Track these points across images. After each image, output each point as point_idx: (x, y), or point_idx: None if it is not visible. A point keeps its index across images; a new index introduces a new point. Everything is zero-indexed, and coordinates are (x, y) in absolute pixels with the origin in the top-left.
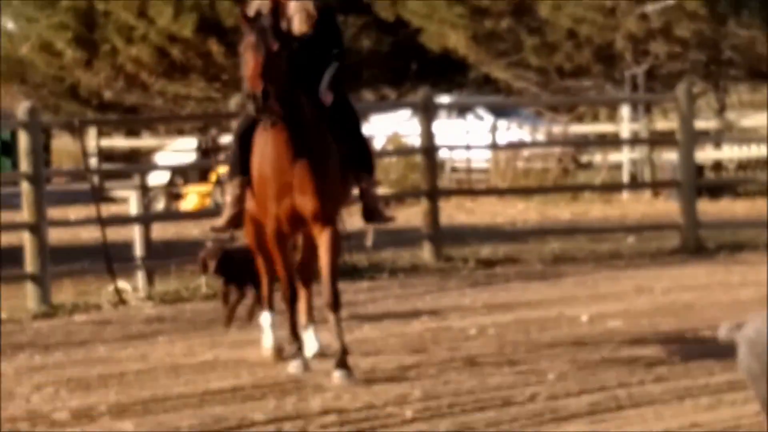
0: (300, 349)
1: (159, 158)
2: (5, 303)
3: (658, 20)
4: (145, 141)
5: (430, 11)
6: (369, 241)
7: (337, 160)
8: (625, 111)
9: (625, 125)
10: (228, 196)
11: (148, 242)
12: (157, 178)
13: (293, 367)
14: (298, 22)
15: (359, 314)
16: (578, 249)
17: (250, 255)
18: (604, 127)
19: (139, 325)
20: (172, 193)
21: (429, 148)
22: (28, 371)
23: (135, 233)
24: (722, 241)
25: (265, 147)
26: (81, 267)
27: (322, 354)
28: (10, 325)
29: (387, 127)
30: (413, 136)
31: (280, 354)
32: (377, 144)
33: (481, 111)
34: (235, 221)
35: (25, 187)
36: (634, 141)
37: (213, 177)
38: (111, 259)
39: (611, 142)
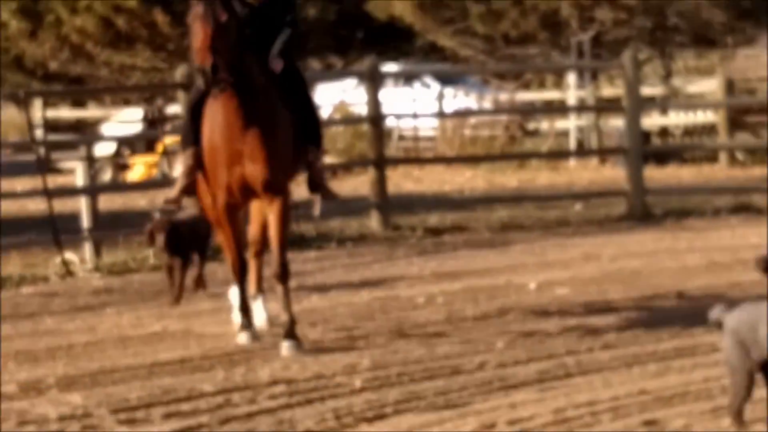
0: (249, 320)
1: (105, 129)
2: None
3: None
4: (91, 112)
5: None
6: (316, 210)
7: (289, 128)
8: (571, 78)
9: (572, 92)
10: (180, 167)
11: (95, 213)
12: (103, 149)
13: (242, 337)
14: None
15: (307, 284)
16: (526, 217)
17: (197, 225)
18: (550, 95)
19: (87, 296)
20: (119, 163)
21: (376, 117)
22: None
23: (82, 204)
24: (669, 208)
25: (215, 116)
26: (28, 239)
27: (270, 324)
28: None
29: (333, 96)
30: (360, 105)
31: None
32: (324, 113)
33: (427, 79)
34: (188, 191)
35: None
36: (581, 108)
37: (159, 147)
38: (58, 231)
39: (558, 109)
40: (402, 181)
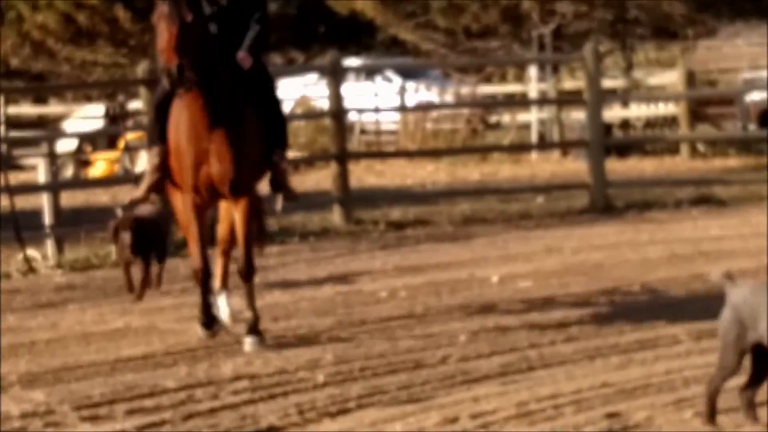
0: (212, 317)
1: (67, 125)
2: None
3: None
4: (52, 108)
5: None
6: (278, 205)
7: (255, 128)
8: (532, 71)
9: (533, 85)
10: (147, 165)
11: (57, 210)
12: (65, 146)
13: (204, 334)
14: None
15: (270, 279)
16: (488, 210)
17: (158, 221)
18: (512, 88)
19: (49, 293)
20: (81, 160)
21: (338, 111)
22: None
23: (44, 201)
24: (631, 200)
25: (182, 115)
26: None
27: (233, 320)
28: None
29: (295, 91)
30: (322, 100)
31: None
32: (286, 108)
33: (389, 73)
34: (154, 189)
35: None
36: (542, 101)
37: (121, 143)
38: (20, 228)
39: (519, 102)
40: (364, 175)
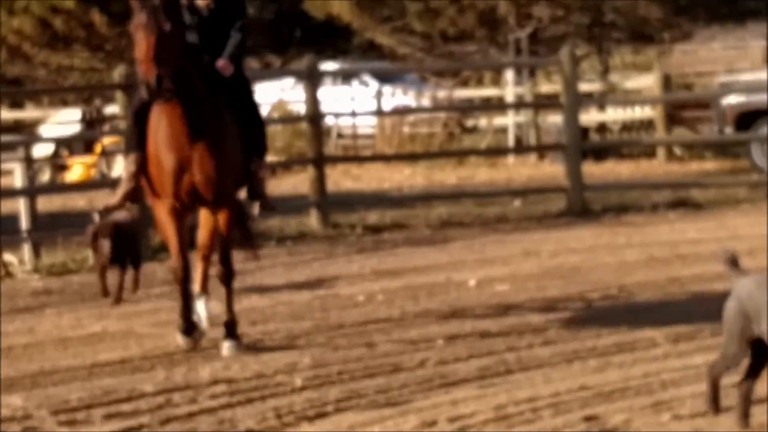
0: (191, 323)
1: (43, 130)
2: None
3: None
4: (29, 113)
5: None
6: (255, 209)
7: (236, 137)
8: (509, 75)
9: (510, 89)
10: (123, 172)
11: (33, 214)
12: (41, 150)
13: (183, 341)
14: None
15: (247, 283)
16: (465, 213)
17: (134, 227)
18: (488, 92)
19: (26, 298)
20: (57, 164)
21: (314, 116)
22: None
23: (20, 206)
24: (607, 203)
25: (161, 123)
26: None
27: (211, 324)
28: None
29: (272, 95)
30: (298, 104)
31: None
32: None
33: (366, 77)
34: (130, 198)
35: None
36: (519, 105)
37: (98, 148)
38: None
39: (496, 106)
40: (341, 179)
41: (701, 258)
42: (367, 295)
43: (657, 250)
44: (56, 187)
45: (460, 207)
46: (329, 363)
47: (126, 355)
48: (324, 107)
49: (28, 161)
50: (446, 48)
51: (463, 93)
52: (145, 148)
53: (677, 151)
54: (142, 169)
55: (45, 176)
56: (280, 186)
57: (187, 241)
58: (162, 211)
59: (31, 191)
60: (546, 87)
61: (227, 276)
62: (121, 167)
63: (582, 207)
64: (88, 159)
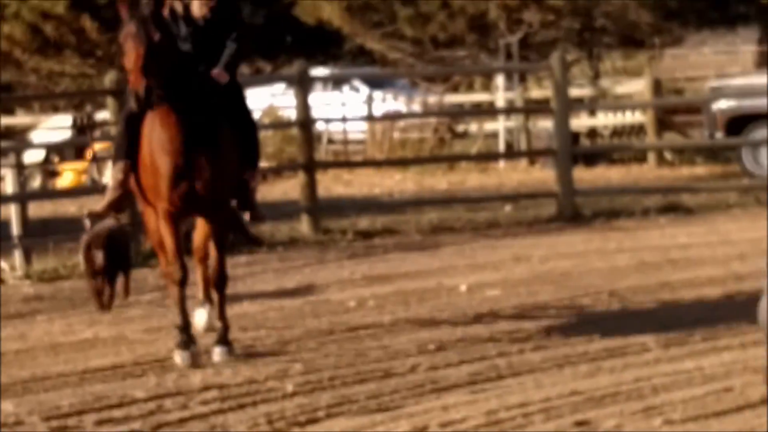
0: (191, 337)
1: (34, 136)
2: None
3: None
4: (19, 119)
5: None
6: (246, 216)
7: (230, 143)
8: (500, 80)
9: (500, 94)
10: (110, 180)
11: (24, 220)
12: (32, 156)
13: (180, 357)
14: (197, 6)
15: (238, 289)
16: (456, 219)
17: (123, 234)
18: (479, 97)
19: (17, 304)
20: (48, 170)
21: (305, 121)
22: None
23: (11, 212)
24: (598, 208)
25: (155, 130)
26: None
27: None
28: None
29: (263, 101)
30: (289, 109)
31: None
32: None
33: (356, 83)
34: (116, 206)
35: None
36: (510, 110)
37: (89, 154)
38: None
39: (487, 111)
40: (332, 184)
41: (692, 263)
42: (358, 300)
43: (648, 255)
44: (47, 193)
45: (450, 212)
46: (320, 369)
47: (117, 361)
48: (315, 113)
49: (19, 167)
50: (437, 53)
51: (453, 98)
52: (135, 156)
53: (668, 156)
54: (128, 178)
55: (36, 182)
56: (271, 192)
57: (183, 248)
58: (156, 217)
59: (22, 197)
60: (536, 92)
61: (220, 282)
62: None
63: (573, 212)
64: (79, 165)
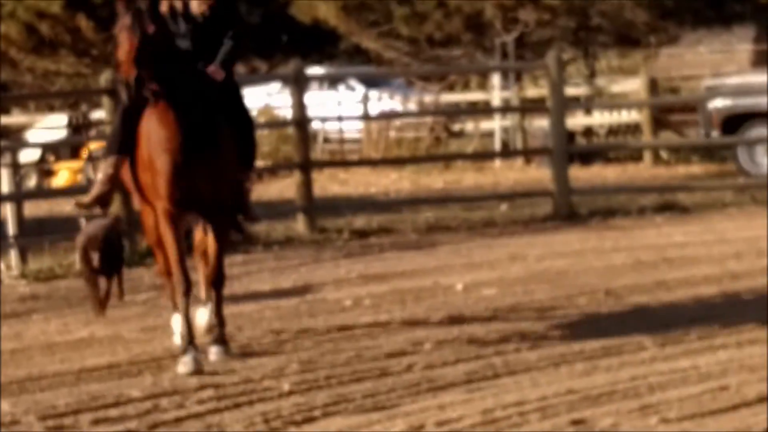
0: (193, 341)
1: (30, 135)
2: None
3: None
4: (15, 118)
5: None
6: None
7: (228, 142)
8: (495, 79)
9: (496, 93)
10: (99, 174)
11: (20, 220)
12: (28, 156)
13: (183, 365)
14: (196, 4)
15: (234, 288)
16: (452, 218)
17: (117, 234)
18: (475, 96)
19: (13, 303)
20: (44, 170)
21: (301, 120)
22: None
23: (7, 211)
24: (594, 207)
25: (154, 127)
26: None
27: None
28: None
29: (258, 100)
30: (285, 108)
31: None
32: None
33: (352, 82)
34: (102, 200)
35: None
36: (506, 109)
37: (84, 153)
38: None
39: (482, 110)
40: (328, 183)
41: (688, 261)
42: (354, 299)
43: (644, 253)
44: (43, 193)
45: (446, 211)
46: (317, 368)
47: (113, 361)
48: (310, 112)
49: (15, 166)
50: (432, 52)
51: (449, 97)
52: (132, 153)
53: (664, 154)
54: (119, 174)
55: (31, 181)
56: (266, 191)
57: (185, 250)
58: (154, 215)
59: (18, 196)
60: (532, 91)
61: (218, 281)
62: None
63: (569, 211)
64: (75, 164)
